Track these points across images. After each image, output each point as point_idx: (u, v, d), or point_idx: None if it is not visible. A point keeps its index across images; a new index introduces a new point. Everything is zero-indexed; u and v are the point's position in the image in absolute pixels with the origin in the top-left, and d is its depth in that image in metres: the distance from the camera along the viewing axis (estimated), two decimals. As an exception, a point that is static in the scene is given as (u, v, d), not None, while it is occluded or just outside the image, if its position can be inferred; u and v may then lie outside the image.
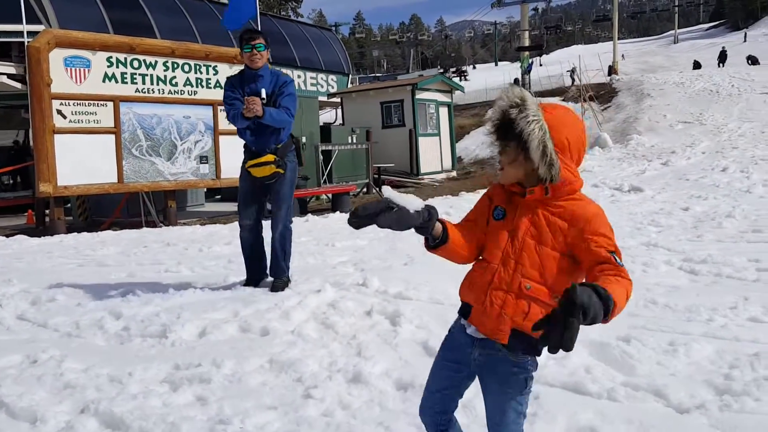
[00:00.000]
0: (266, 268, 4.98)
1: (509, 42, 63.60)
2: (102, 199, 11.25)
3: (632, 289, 1.58)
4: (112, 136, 9.77)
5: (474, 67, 79.26)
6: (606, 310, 1.41)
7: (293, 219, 5.05)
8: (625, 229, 6.58)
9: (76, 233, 8.70)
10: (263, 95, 4.60)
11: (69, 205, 11.66)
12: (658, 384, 2.89)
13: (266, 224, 4.92)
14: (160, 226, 10.14)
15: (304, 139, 13.49)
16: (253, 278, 4.94)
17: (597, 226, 1.67)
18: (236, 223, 9.23)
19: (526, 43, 39.89)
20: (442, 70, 50.31)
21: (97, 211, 11.78)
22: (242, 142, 4.84)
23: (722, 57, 43.32)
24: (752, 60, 39.01)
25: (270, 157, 4.68)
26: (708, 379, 2.96)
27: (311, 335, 3.73)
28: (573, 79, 38.40)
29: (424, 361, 3.36)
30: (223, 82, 11.09)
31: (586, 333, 3.47)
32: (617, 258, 1.62)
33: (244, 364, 3.29)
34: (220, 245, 6.93)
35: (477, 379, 1.88)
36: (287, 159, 4.78)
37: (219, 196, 15.69)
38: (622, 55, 65.43)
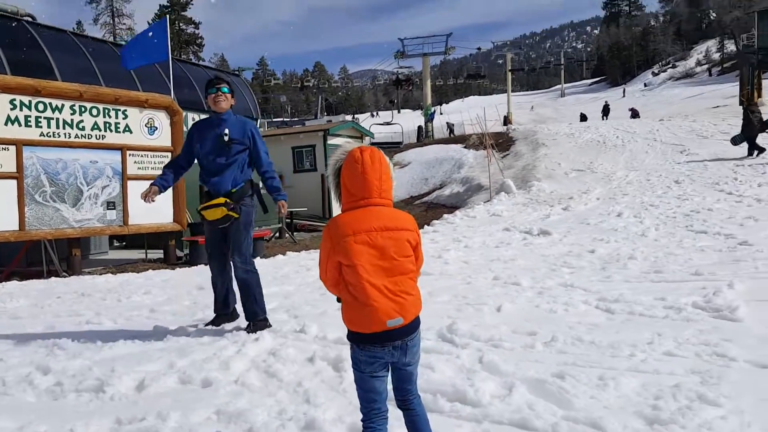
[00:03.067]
0: (231, 305, 5.10)
1: (411, 90, 65.95)
2: (-2, 247, 10.52)
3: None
4: (14, 182, 9.23)
5: (374, 115, 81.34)
6: None
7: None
8: (542, 271, 6.96)
9: (-27, 285, 8.07)
10: (225, 133, 4.75)
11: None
12: (594, 417, 3.08)
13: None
14: (63, 276, 9.60)
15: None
16: (218, 313, 5.10)
17: None
18: (150, 272, 8.99)
19: (429, 92, 41.46)
20: (351, 117, 51.43)
21: (-8, 260, 10.98)
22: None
23: (605, 110, 46.90)
24: (633, 113, 42.42)
25: (220, 200, 4.72)
26: (638, 410, 3.19)
27: (255, 384, 3.69)
28: (451, 131, 41.59)
29: (374, 405, 3.41)
30: (132, 126, 10.99)
31: (524, 371, 3.67)
32: None
33: (190, 416, 3.21)
34: (138, 295, 6.67)
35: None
36: (243, 203, 4.81)
37: (123, 243, 15.05)
38: (532, 107, 69.39)
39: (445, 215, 14.83)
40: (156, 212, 11.05)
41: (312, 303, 5.84)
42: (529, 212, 13.51)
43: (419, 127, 44.46)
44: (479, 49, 62.79)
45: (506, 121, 45.32)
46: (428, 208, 19.51)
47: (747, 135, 17.67)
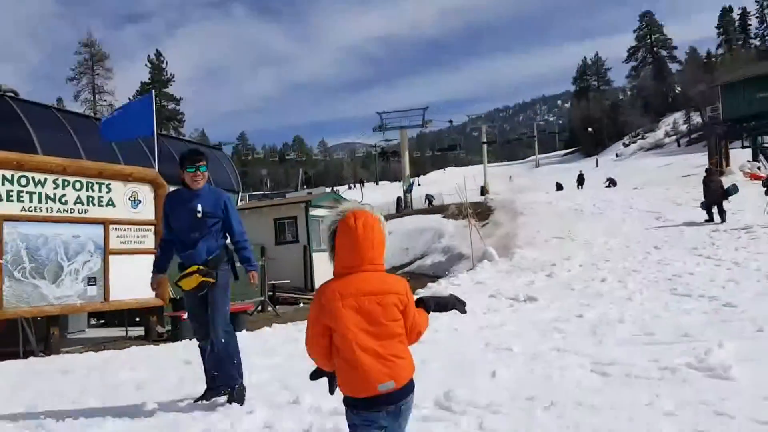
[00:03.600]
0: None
1: (397, 161, 67.32)
2: (-29, 326, 10.18)
3: None
4: (-7, 258, 9.07)
5: (350, 187, 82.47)
6: None
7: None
8: (533, 336, 6.94)
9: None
10: (199, 209, 4.74)
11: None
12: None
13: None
14: (41, 356, 9.27)
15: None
16: (209, 386, 4.90)
17: None
18: (134, 348, 8.79)
19: (407, 163, 42.26)
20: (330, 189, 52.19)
21: (-37, 340, 10.60)
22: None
23: (580, 180, 48.01)
24: (611, 182, 43.29)
25: (193, 268, 4.71)
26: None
27: (251, 459, 3.57)
28: (430, 202, 42.65)
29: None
30: (116, 200, 10.96)
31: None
32: None
33: (186, 494, 3.08)
34: (124, 370, 6.49)
35: None
36: (219, 268, 4.81)
37: (102, 321, 14.68)
38: (510, 177, 70.82)
39: (429, 284, 14.81)
40: (137, 287, 10.85)
41: (303, 373, 5.71)
42: (513, 279, 13.55)
43: (398, 198, 44.99)
44: (451, 122, 64.52)
45: (483, 191, 46.17)
46: (411, 278, 19.46)
47: (709, 201, 18.13)
